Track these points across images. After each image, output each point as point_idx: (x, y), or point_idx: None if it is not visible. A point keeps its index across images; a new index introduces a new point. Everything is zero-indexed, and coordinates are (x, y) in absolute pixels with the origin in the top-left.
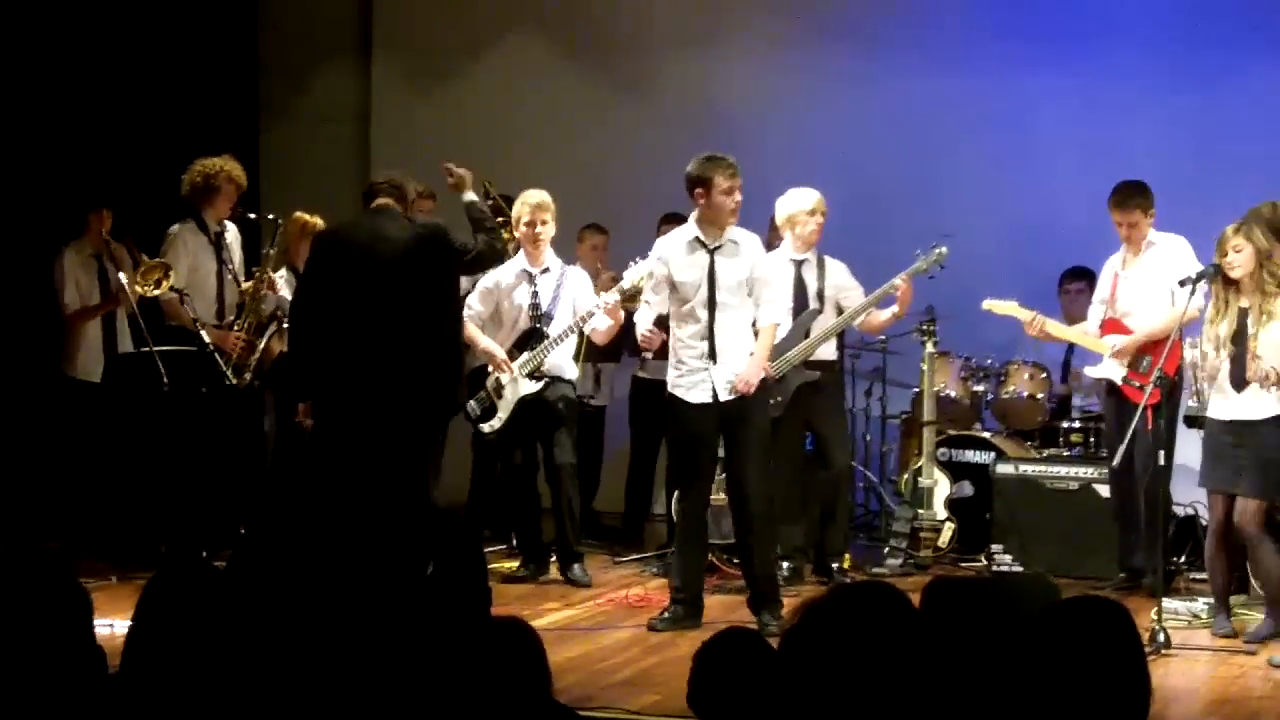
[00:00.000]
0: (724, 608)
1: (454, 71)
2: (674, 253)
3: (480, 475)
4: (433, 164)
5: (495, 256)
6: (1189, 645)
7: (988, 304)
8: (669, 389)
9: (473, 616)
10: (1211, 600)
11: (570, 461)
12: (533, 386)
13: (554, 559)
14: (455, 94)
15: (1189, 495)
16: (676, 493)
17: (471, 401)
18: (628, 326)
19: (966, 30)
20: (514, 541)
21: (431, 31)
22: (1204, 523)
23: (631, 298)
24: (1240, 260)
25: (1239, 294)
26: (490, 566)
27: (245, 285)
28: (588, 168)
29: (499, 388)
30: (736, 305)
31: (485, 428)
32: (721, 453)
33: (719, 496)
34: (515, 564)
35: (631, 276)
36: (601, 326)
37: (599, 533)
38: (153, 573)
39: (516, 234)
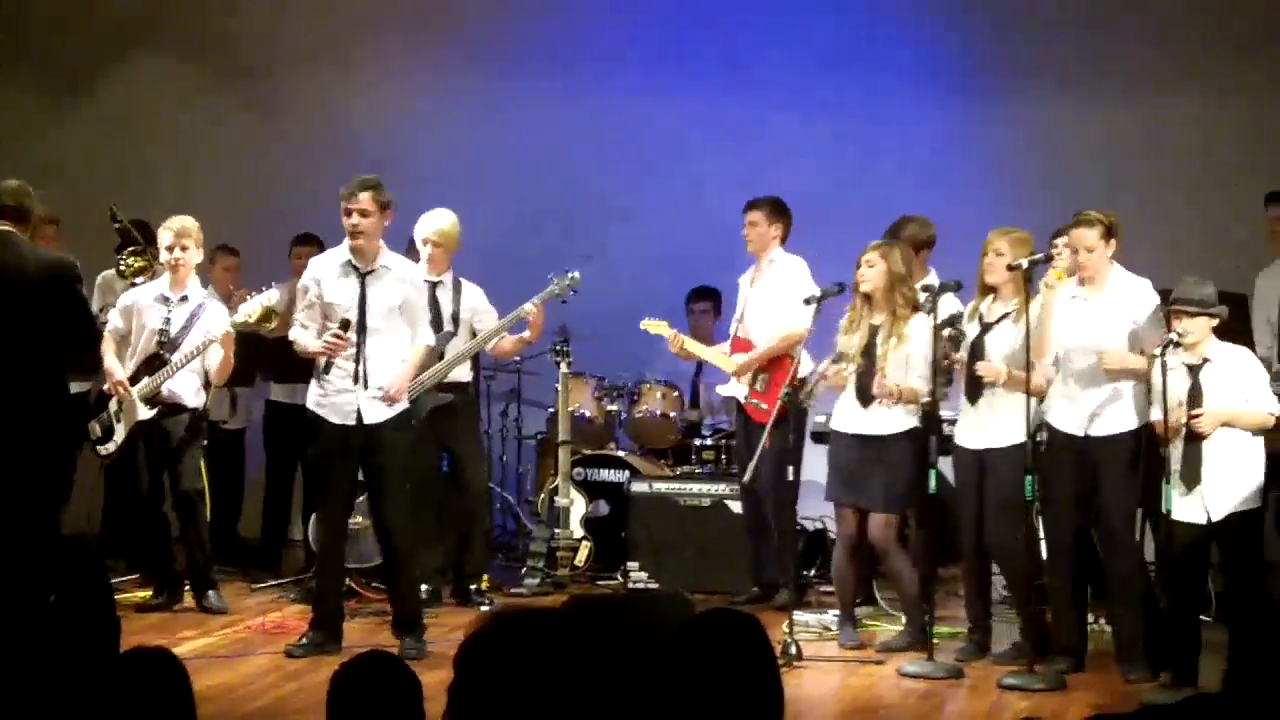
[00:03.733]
0: (363, 631)
1: (79, 91)
2: (326, 274)
3: (113, 503)
4: (59, 185)
5: (91, 362)
6: (820, 656)
7: (644, 324)
8: (311, 407)
9: (99, 646)
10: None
11: (195, 488)
12: (147, 413)
13: (188, 587)
14: (81, 113)
15: (818, 509)
16: (314, 516)
17: (94, 422)
18: (256, 351)
19: (616, 53)
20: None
21: (54, 49)
22: (833, 536)
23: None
24: (870, 275)
25: (872, 310)
26: (123, 595)
27: None
28: (220, 189)
29: (119, 410)
30: (387, 331)
31: (102, 450)
32: (362, 478)
33: (357, 520)
34: (149, 593)
35: (246, 310)
36: (216, 360)
37: (242, 557)
38: None
39: (160, 259)
